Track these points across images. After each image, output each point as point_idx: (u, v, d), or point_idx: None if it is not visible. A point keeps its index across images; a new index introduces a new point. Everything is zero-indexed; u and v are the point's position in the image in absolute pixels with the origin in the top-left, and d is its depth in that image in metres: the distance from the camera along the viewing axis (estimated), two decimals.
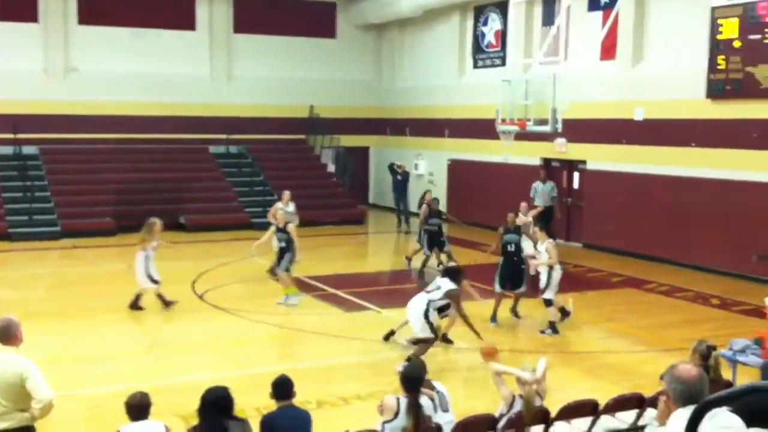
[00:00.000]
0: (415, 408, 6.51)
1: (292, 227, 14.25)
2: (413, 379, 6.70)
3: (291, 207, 16.86)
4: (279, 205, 16.77)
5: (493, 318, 12.85)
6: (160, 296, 13.58)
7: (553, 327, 12.30)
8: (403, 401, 6.55)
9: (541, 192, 19.16)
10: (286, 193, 17.28)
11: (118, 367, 10.59)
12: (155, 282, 13.56)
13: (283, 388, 6.49)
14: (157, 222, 14.12)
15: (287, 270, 14.10)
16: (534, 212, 16.93)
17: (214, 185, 24.78)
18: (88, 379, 10.12)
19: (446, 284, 11.01)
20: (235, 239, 20.79)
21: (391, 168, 24.64)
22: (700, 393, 3.76)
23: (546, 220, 18.57)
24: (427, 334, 10.70)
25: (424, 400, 6.71)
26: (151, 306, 13.78)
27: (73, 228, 21.24)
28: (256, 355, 11.59)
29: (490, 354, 7.76)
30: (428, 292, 10.97)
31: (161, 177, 23.67)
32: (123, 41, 25.07)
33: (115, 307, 13.80)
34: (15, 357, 6.10)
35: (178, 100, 25.39)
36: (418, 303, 10.83)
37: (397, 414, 6.53)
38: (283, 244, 14.05)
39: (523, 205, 16.22)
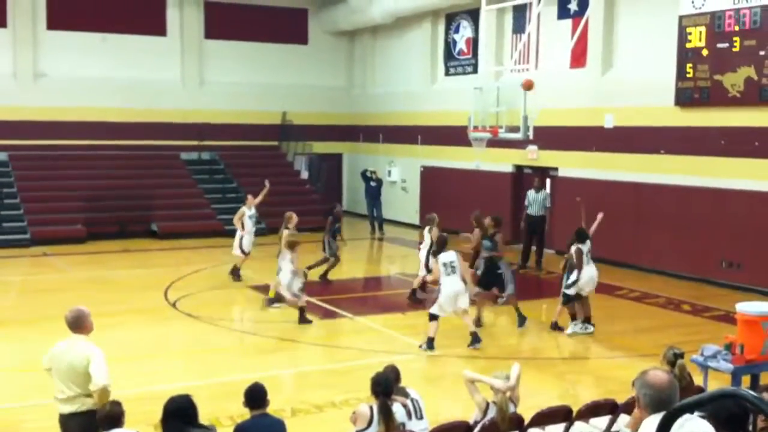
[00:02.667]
0: (385, 413, 6.52)
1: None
2: (382, 384, 6.72)
3: (252, 211, 16.66)
4: (244, 208, 16.59)
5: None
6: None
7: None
8: (376, 408, 6.56)
9: (533, 201, 19.28)
10: (250, 197, 16.99)
11: None
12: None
13: (256, 396, 6.46)
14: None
15: None
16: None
17: (186, 192, 24.65)
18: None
19: None
20: (208, 246, 20.70)
21: (364, 175, 24.67)
22: (670, 399, 3.79)
23: (536, 230, 18.67)
24: None
25: (397, 407, 6.72)
26: (121, 313, 13.69)
27: (44, 235, 21.03)
28: (230, 362, 11.53)
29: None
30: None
31: (133, 183, 23.50)
32: (93, 46, 24.91)
33: None
34: (84, 343, 6.60)
35: (149, 106, 25.27)
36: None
37: (370, 422, 6.53)
38: None
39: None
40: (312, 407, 9.28)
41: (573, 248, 12.78)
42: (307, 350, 12.04)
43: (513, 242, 18.39)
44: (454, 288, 11.71)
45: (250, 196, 16.94)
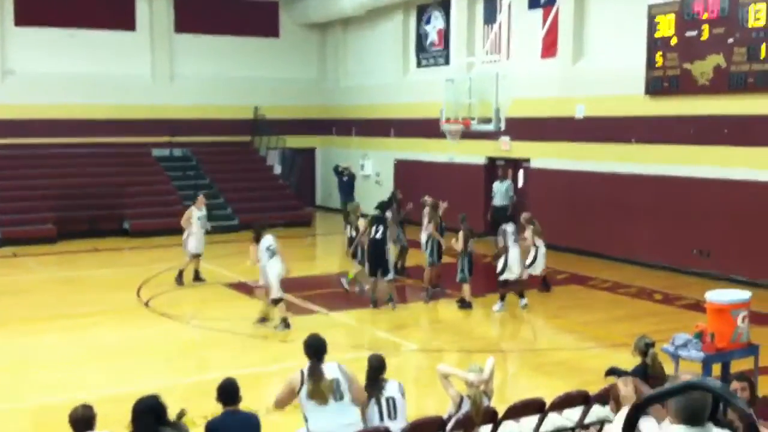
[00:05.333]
0: (315, 372, 6.73)
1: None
2: (313, 347, 6.93)
3: (203, 211, 16.09)
4: (193, 209, 16.01)
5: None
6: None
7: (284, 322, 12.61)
8: (307, 371, 6.79)
9: (497, 191, 19.32)
10: (201, 198, 16.40)
11: (62, 378, 10.40)
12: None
13: (228, 392, 6.46)
14: None
15: None
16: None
17: (157, 189, 24.44)
18: (30, 390, 9.93)
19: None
20: (181, 244, 20.51)
21: (336, 170, 24.61)
22: (702, 411, 3.58)
23: (501, 220, 18.74)
24: None
25: (372, 407, 6.79)
26: (93, 314, 13.58)
27: (14, 235, 20.79)
28: (204, 361, 11.47)
29: None
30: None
31: (103, 181, 23.30)
32: (61, 42, 24.62)
33: (57, 315, 13.58)
34: None
35: (119, 102, 25.01)
36: None
37: (302, 384, 6.75)
38: None
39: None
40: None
41: (500, 229, 13.82)
42: (281, 347, 11.99)
43: (485, 234, 18.39)
44: (279, 269, 12.45)
45: (201, 196, 16.48)
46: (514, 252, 13.52)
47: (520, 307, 13.56)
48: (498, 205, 19.13)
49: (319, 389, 6.66)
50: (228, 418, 6.38)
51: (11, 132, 23.67)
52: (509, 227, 13.79)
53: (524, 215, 14.95)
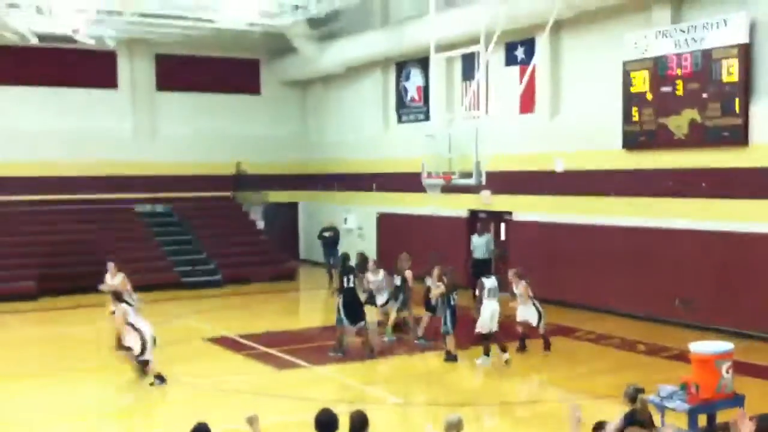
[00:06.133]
0: None
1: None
2: (321, 424, 6.54)
3: (119, 278, 15.24)
4: (107, 277, 15.42)
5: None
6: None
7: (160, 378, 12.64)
8: None
9: (477, 245, 19.40)
10: (111, 265, 15.55)
11: None
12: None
13: None
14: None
15: None
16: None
17: (141, 245, 24.36)
18: None
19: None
20: (165, 299, 20.44)
21: (320, 236, 24.57)
22: None
23: (483, 273, 18.78)
24: None
25: None
26: (71, 371, 13.43)
27: None
28: (188, 417, 11.29)
29: None
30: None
31: (85, 237, 23.23)
32: (43, 100, 24.77)
33: (35, 372, 13.44)
34: None
35: (101, 159, 25.12)
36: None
37: None
38: None
39: None
40: None
41: (478, 282, 14.04)
42: (264, 402, 11.90)
43: (466, 287, 18.44)
44: (152, 329, 12.81)
45: (109, 263, 15.78)
46: (487, 305, 13.69)
47: (504, 362, 13.56)
48: (479, 258, 19.19)
49: None
50: None
51: None
52: (487, 281, 13.98)
53: (514, 270, 15.04)
